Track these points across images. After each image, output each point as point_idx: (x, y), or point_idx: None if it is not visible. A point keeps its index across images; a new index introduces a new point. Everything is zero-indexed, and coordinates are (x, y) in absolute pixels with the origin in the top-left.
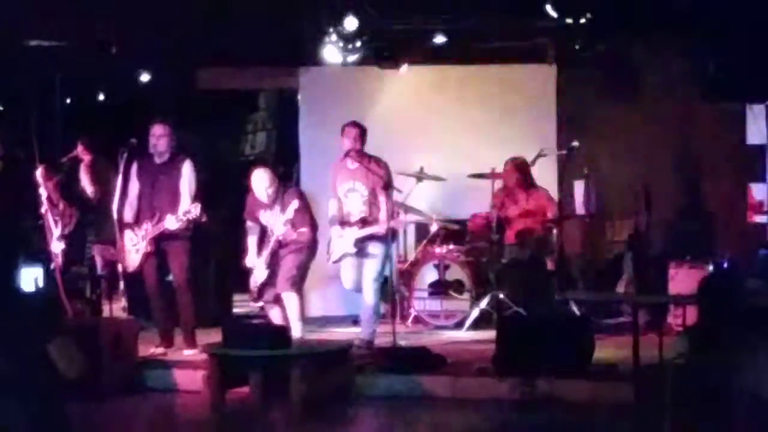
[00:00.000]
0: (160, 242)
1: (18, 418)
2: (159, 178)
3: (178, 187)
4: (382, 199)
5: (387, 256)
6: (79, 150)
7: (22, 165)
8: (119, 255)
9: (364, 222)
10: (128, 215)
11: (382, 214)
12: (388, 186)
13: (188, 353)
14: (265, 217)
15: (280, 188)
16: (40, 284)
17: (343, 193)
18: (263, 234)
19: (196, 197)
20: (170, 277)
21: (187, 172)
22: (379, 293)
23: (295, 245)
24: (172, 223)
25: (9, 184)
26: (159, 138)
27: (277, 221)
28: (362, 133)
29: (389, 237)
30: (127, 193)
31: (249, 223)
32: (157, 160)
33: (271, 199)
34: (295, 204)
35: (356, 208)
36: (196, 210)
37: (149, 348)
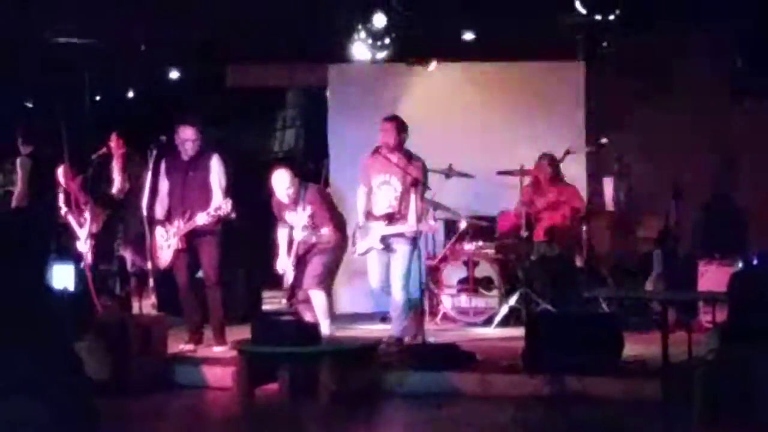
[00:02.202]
0: (191, 239)
1: (46, 418)
2: (188, 174)
3: (208, 182)
4: (413, 196)
5: (414, 253)
6: (114, 143)
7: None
8: (150, 252)
9: (390, 218)
10: (159, 213)
11: (411, 213)
12: (421, 184)
13: (218, 350)
14: (290, 217)
15: (300, 188)
16: (71, 283)
17: (376, 185)
18: (293, 236)
19: (227, 191)
20: (200, 274)
21: (216, 167)
22: (407, 291)
23: (322, 245)
24: (202, 218)
25: (40, 181)
26: (186, 141)
27: (299, 222)
28: (400, 126)
29: (418, 237)
30: (157, 191)
31: (279, 226)
32: (185, 157)
33: (291, 200)
34: (308, 210)
35: (386, 201)
36: (227, 206)
37: (179, 344)
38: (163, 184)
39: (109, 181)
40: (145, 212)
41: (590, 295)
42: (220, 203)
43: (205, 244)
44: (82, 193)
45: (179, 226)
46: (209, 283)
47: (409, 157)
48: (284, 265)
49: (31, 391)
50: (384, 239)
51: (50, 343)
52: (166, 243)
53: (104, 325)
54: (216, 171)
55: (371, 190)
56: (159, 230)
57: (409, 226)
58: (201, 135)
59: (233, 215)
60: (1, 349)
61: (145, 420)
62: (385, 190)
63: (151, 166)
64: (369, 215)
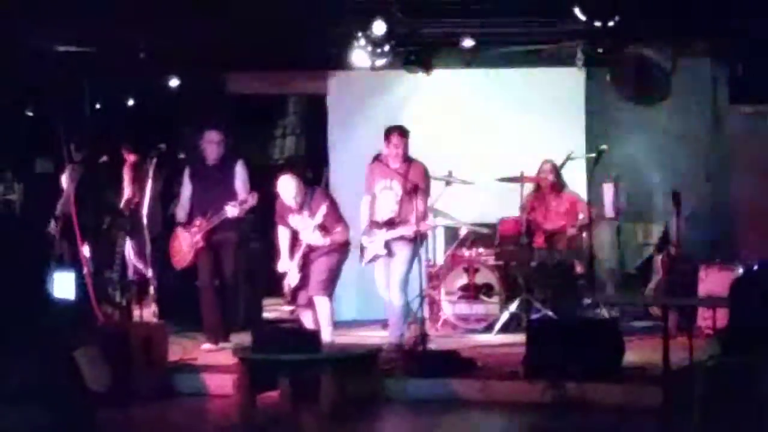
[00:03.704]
0: (213, 238)
1: (46, 425)
2: (212, 179)
3: (233, 187)
4: (415, 201)
5: (414, 258)
6: (124, 152)
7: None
8: (170, 253)
9: (391, 223)
10: (181, 216)
11: (413, 217)
12: (424, 190)
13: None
14: (295, 221)
15: (307, 193)
16: (72, 290)
17: (378, 190)
18: (294, 237)
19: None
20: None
21: (240, 172)
22: (406, 295)
23: (328, 248)
24: (232, 210)
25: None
26: (213, 144)
27: (307, 227)
28: (407, 137)
29: (417, 239)
30: (179, 196)
31: (280, 227)
32: (210, 162)
33: (299, 205)
34: (323, 209)
35: (388, 207)
36: (253, 199)
37: (201, 346)
38: (186, 188)
39: (119, 192)
40: (145, 220)
41: (591, 301)
42: (246, 196)
43: (227, 245)
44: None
45: (201, 224)
46: (230, 283)
47: (410, 162)
48: (287, 266)
49: (32, 399)
50: (387, 244)
51: (51, 351)
52: (186, 241)
53: (105, 334)
54: (240, 176)
55: (374, 197)
56: (181, 233)
57: (409, 227)
58: (225, 139)
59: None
60: (1, 357)
61: (146, 428)
62: (387, 194)
63: (151, 173)
64: (372, 223)
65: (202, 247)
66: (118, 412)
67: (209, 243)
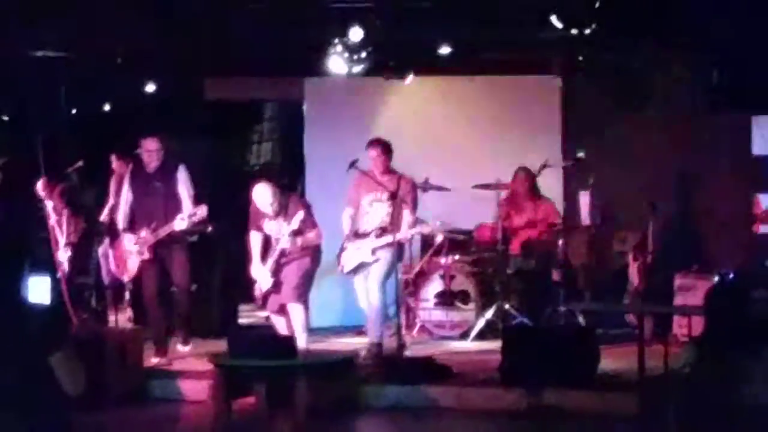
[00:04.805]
0: (159, 249)
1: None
2: (153, 186)
3: (176, 193)
4: (406, 212)
5: (395, 261)
6: (115, 165)
7: (25, 175)
8: (116, 261)
9: (383, 230)
10: (122, 222)
11: (404, 225)
12: (413, 203)
13: (184, 349)
14: (269, 226)
15: (282, 198)
16: (48, 295)
17: (367, 203)
18: (267, 242)
19: (196, 200)
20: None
21: (182, 178)
22: (385, 295)
23: (300, 253)
24: (180, 224)
25: (11, 193)
26: (151, 152)
27: (282, 233)
28: (386, 149)
29: (400, 245)
30: (112, 202)
31: (252, 232)
32: (149, 170)
33: (275, 212)
34: (300, 215)
35: (378, 218)
36: (202, 212)
37: (150, 359)
38: (127, 195)
39: (104, 199)
40: (121, 225)
41: (567, 308)
42: (194, 209)
43: (175, 251)
44: (60, 204)
45: (146, 236)
46: (180, 289)
47: (399, 177)
48: (258, 271)
49: (7, 404)
50: (374, 251)
51: (26, 356)
52: (134, 250)
53: (80, 339)
54: (183, 181)
55: (359, 210)
56: (127, 238)
57: (399, 233)
58: (164, 147)
59: (210, 228)
60: None
61: None
62: (377, 207)
63: (127, 179)
64: (357, 234)
65: (148, 259)
66: (92, 416)
67: (155, 255)
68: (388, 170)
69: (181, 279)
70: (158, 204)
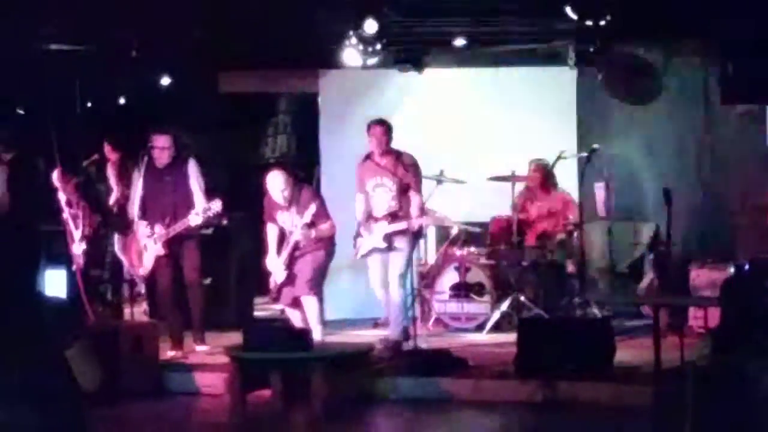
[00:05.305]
0: (172, 244)
1: (36, 425)
2: (165, 181)
3: (188, 187)
4: (411, 193)
5: (412, 253)
6: (106, 149)
7: (39, 167)
8: (126, 254)
9: (394, 216)
10: (136, 214)
11: (413, 209)
12: (416, 181)
13: (200, 349)
14: (282, 218)
15: (296, 189)
16: (64, 288)
17: (371, 188)
18: (282, 235)
19: (210, 193)
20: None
21: (193, 172)
22: (405, 290)
23: (314, 246)
24: (195, 219)
25: (25, 186)
26: (161, 149)
27: (295, 225)
28: (388, 130)
29: (416, 234)
30: (114, 194)
31: (268, 224)
32: (159, 165)
33: (287, 201)
34: (312, 208)
35: (383, 203)
36: (216, 206)
37: (166, 352)
38: (137, 189)
39: (107, 190)
40: (136, 218)
41: (582, 300)
42: (208, 204)
43: (187, 247)
44: (75, 196)
45: (160, 232)
46: (192, 285)
47: (398, 155)
48: (274, 263)
49: (22, 399)
50: (387, 237)
51: (42, 349)
52: (149, 245)
53: (96, 332)
54: (194, 175)
55: (368, 195)
56: (142, 231)
57: (410, 221)
58: (175, 143)
59: (225, 221)
60: None
61: (136, 427)
62: (380, 191)
63: (142, 172)
64: (370, 217)
65: (163, 255)
66: (108, 410)
67: (169, 251)
68: (388, 150)
69: (191, 275)
70: (168, 199)
